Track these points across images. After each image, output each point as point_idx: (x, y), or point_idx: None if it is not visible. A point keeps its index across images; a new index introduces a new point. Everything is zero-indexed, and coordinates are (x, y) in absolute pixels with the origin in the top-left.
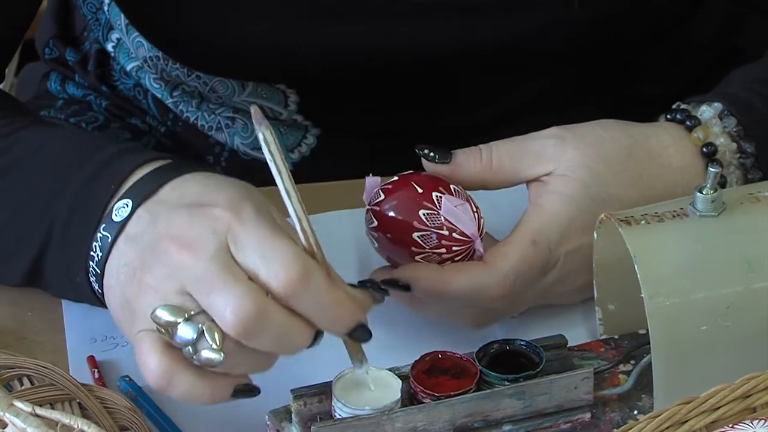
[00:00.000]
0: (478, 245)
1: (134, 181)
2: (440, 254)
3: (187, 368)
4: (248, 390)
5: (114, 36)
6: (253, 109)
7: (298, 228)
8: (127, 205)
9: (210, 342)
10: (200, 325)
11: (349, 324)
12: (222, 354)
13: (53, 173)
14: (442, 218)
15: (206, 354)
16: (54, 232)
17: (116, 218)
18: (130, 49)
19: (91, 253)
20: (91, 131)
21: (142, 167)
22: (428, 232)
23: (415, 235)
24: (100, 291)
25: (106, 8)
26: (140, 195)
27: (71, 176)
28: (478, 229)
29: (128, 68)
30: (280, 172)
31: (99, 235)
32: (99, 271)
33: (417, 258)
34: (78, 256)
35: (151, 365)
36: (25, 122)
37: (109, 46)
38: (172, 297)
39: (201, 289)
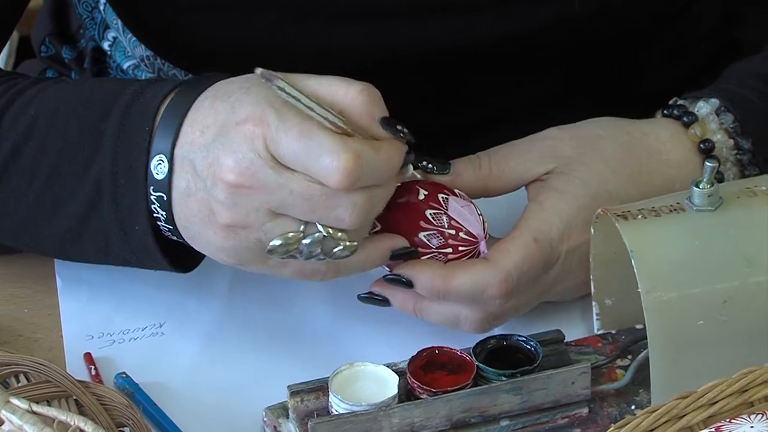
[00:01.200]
0: (483, 246)
1: (156, 131)
2: (446, 254)
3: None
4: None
5: (110, 35)
6: (258, 73)
7: (327, 124)
8: (161, 160)
9: (337, 241)
10: (317, 234)
11: (401, 162)
12: (353, 242)
13: (81, 130)
14: (449, 218)
15: (341, 253)
16: (102, 191)
17: (159, 176)
18: (127, 48)
19: (155, 214)
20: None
21: (158, 111)
22: (434, 232)
23: (421, 234)
24: (180, 240)
25: (101, 7)
26: (167, 144)
27: (102, 131)
28: (484, 231)
29: (125, 67)
30: (299, 100)
31: (153, 197)
32: (171, 227)
33: (423, 259)
34: (133, 212)
35: (318, 275)
36: (28, 81)
37: (105, 45)
38: (269, 225)
39: (301, 208)
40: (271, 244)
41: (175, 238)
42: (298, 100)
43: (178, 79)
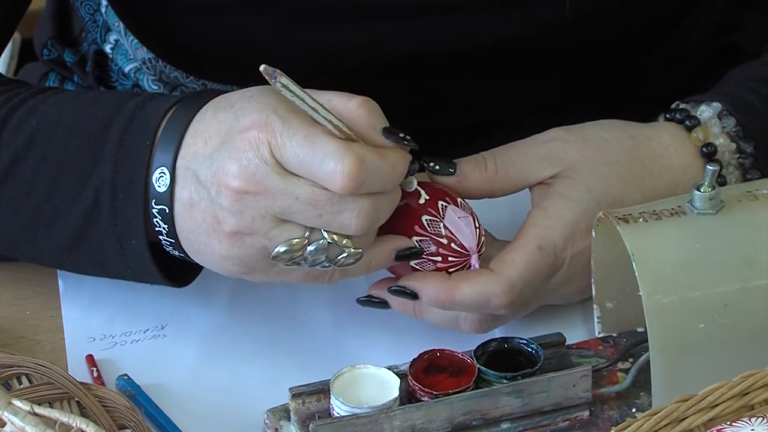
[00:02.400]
0: (474, 261)
1: (158, 144)
2: (435, 262)
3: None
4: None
5: (112, 38)
6: (262, 69)
7: (331, 128)
8: (163, 172)
9: (342, 248)
10: (322, 241)
11: (406, 168)
12: (358, 248)
13: (82, 142)
14: (444, 227)
15: (345, 260)
16: (101, 204)
17: (160, 189)
18: (128, 51)
19: (157, 228)
20: (96, 89)
21: (160, 125)
22: (427, 238)
23: (414, 239)
24: (181, 255)
25: (103, 10)
26: (168, 156)
27: (103, 144)
28: (478, 245)
29: (126, 69)
30: (303, 100)
31: (154, 210)
32: (173, 240)
33: (412, 263)
34: (131, 226)
35: (324, 276)
36: (30, 91)
37: (107, 48)
38: (274, 232)
39: (306, 214)
40: (276, 250)
41: (176, 252)
42: (303, 101)
43: (183, 85)
